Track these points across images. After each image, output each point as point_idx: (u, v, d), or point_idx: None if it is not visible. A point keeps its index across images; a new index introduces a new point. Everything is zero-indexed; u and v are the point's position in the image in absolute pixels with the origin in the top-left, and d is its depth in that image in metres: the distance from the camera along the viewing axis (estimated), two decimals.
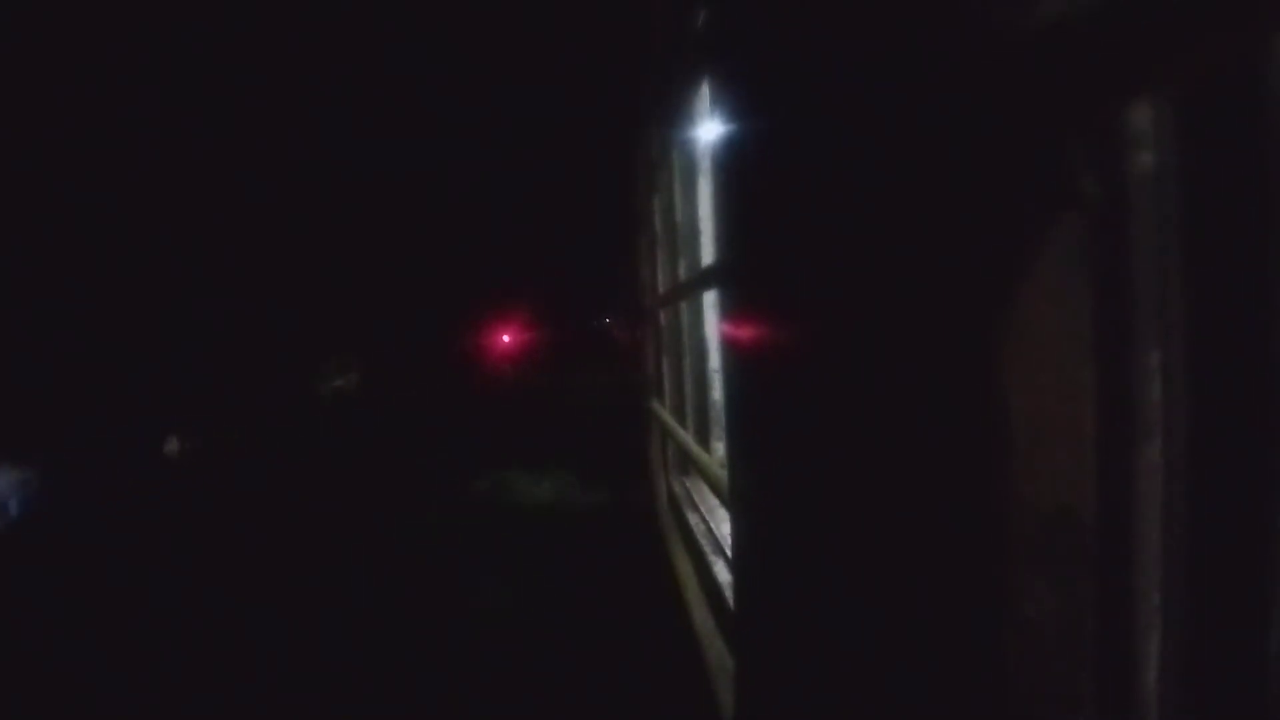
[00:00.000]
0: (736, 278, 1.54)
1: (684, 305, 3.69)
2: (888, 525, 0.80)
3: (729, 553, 2.62)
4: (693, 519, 3.41)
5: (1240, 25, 0.41)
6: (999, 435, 0.58)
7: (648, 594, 3.60)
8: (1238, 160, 0.59)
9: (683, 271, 3.57)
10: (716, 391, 3.21)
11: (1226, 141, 0.59)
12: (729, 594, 2.38)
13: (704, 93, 2.74)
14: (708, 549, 2.96)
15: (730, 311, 1.64)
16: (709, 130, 2.42)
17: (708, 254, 3.13)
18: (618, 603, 3.75)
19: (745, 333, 1.45)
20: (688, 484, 3.97)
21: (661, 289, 4.24)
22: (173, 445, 10.45)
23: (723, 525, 3.01)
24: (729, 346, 1.66)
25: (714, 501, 3.35)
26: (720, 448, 3.08)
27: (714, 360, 3.31)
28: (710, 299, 3.19)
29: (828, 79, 0.91)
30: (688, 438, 3.36)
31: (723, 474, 2.09)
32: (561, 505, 5.96)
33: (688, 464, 3.91)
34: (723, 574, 2.67)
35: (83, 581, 4.77)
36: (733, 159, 1.49)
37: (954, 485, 0.65)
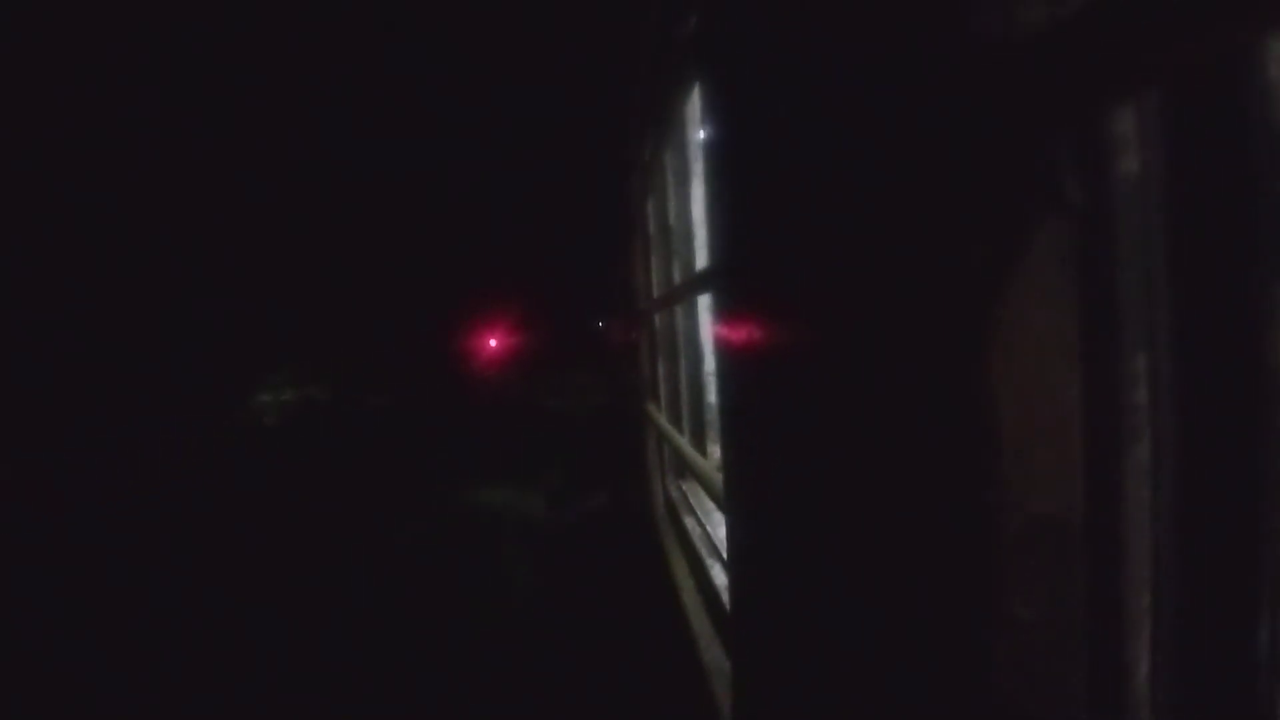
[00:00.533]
0: (729, 281, 1.54)
1: (679, 308, 3.69)
2: (881, 528, 0.80)
3: (725, 556, 2.62)
4: (689, 523, 3.41)
5: (1225, 27, 0.41)
6: (988, 438, 0.59)
7: (645, 599, 3.60)
8: (1222, 163, 0.59)
9: (677, 274, 3.57)
10: (712, 395, 3.22)
11: (1211, 145, 0.60)
12: (725, 597, 2.38)
13: (696, 95, 2.75)
14: (704, 552, 2.97)
15: (724, 315, 1.64)
16: (701, 133, 2.42)
17: (702, 257, 3.13)
18: (615, 606, 3.75)
19: (739, 336, 1.45)
20: (684, 488, 3.97)
21: (656, 292, 4.24)
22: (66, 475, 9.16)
23: (719, 529, 3.01)
24: (723, 350, 1.66)
25: (710, 505, 3.36)
26: (716, 451, 3.08)
27: (709, 364, 3.31)
28: (705, 302, 3.20)
29: (812, 83, 0.91)
30: (683, 441, 3.36)
31: (718, 477, 2.09)
32: (554, 531, 5.76)
33: (684, 468, 3.91)
34: (719, 577, 2.68)
35: None
36: (724, 162, 1.49)
37: (945, 488, 0.65)
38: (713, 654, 2.44)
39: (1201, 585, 0.61)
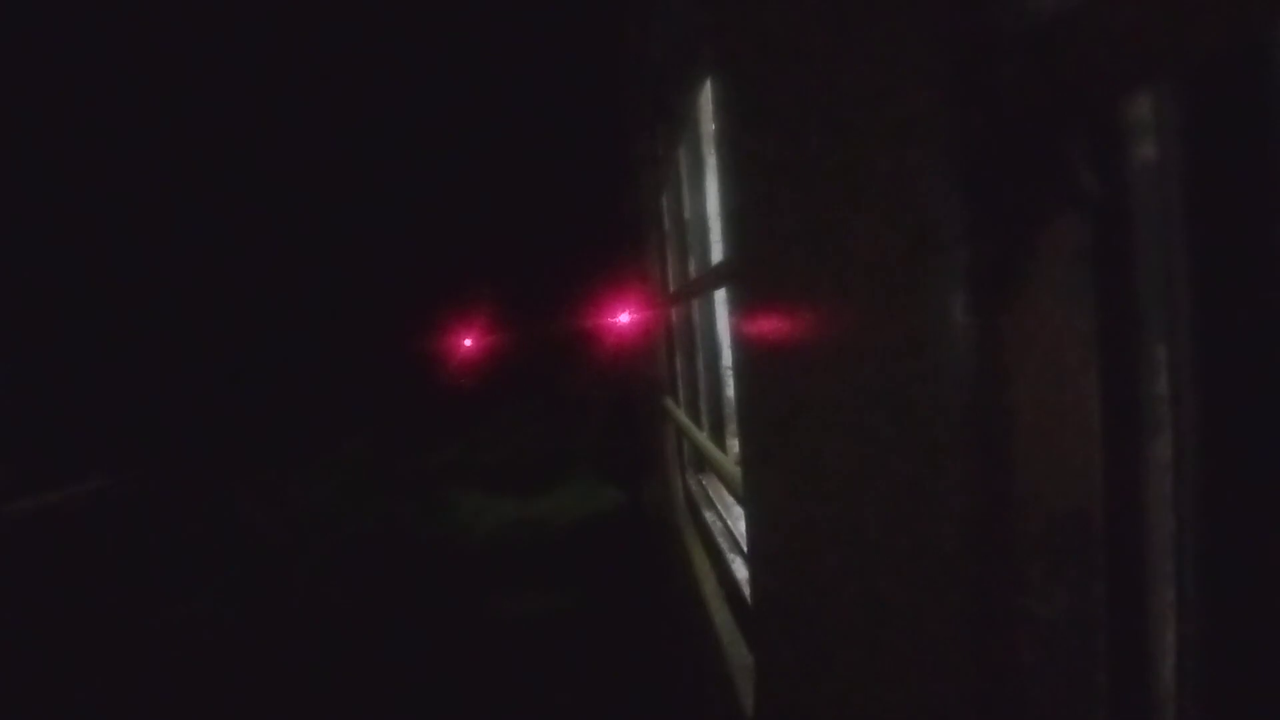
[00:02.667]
0: (745, 275, 1.54)
1: (695, 303, 3.69)
2: (899, 523, 0.80)
3: (746, 550, 2.62)
4: (709, 517, 3.41)
5: (1243, 12, 0.40)
6: (1007, 432, 0.58)
7: (665, 594, 3.60)
8: (1242, 150, 0.58)
9: (693, 269, 3.57)
10: (730, 389, 3.21)
11: (1230, 131, 0.59)
12: (747, 591, 2.38)
13: (709, 89, 2.74)
14: (725, 547, 2.97)
15: (740, 309, 1.64)
16: (715, 127, 2.41)
17: (717, 252, 3.13)
18: (636, 601, 3.75)
19: (755, 330, 1.45)
20: (704, 482, 3.97)
21: (672, 287, 4.24)
22: None
23: (739, 523, 3.01)
24: (740, 344, 1.66)
25: (730, 499, 3.35)
26: (735, 445, 3.08)
27: (727, 358, 3.30)
28: (721, 296, 3.19)
29: (824, 77, 0.90)
30: (702, 436, 3.36)
31: (738, 471, 2.09)
32: None
33: (703, 462, 3.91)
34: (740, 571, 2.68)
35: None
36: (737, 156, 1.49)
37: (964, 482, 0.65)
38: (736, 648, 2.44)
39: (1227, 579, 0.60)
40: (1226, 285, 0.59)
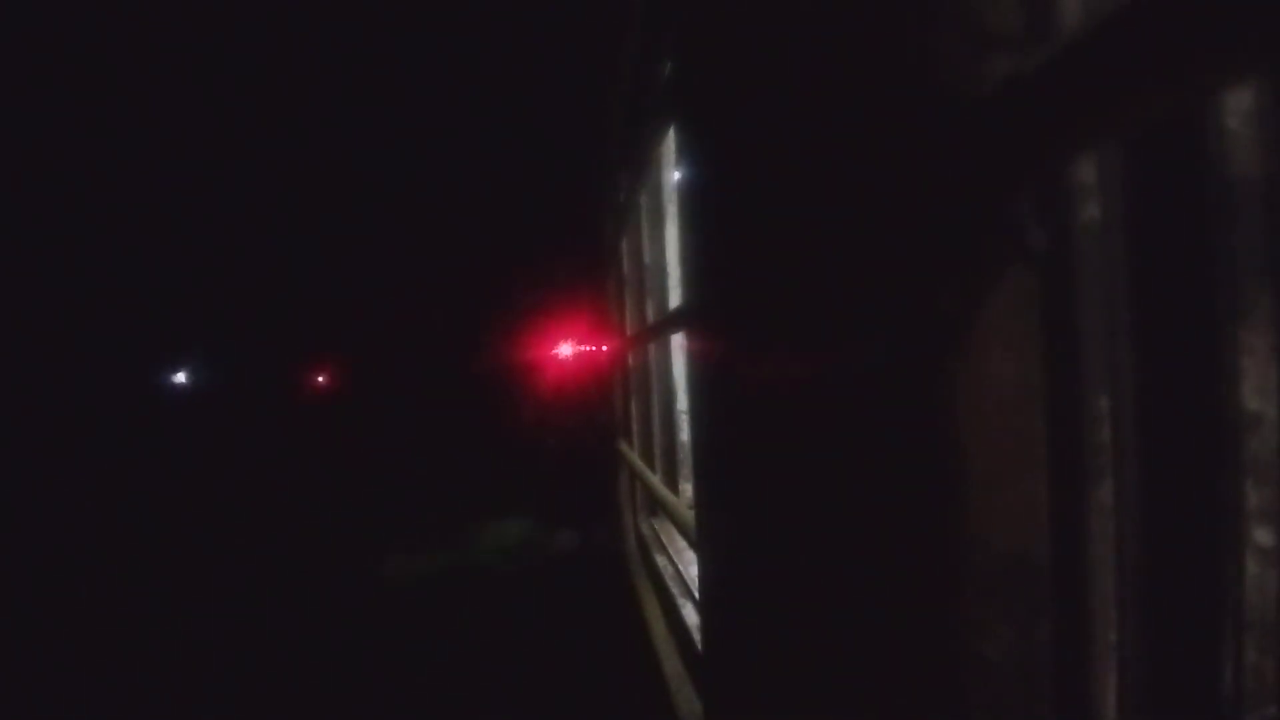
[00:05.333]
0: (702, 320, 1.56)
1: (652, 346, 3.71)
2: (850, 569, 0.81)
3: (697, 595, 2.60)
4: (661, 561, 3.39)
5: (1181, 84, 0.43)
6: (956, 478, 0.60)
7: (615, 638, 3.53)
8: (1180, 210, 0.62)
9: (651, 313, 3.59)
10: (684, 433, 3.22)
11: (1170, 192, 0.62)
12: (697, 636, 2.36)
13: (671, 139, 2.79)
14: (676, 591, 2.94)
15: (697, 353, 1.66)
16: (676, 175, 2.46)
17: (675, 296, 3.16)
18: (585, 646, 3.67)
19: (711, 374, 1.46)
20: (656, 526, 3.95)
21: (630, 330, 4.26)
22: None
23: (690, 567, 3.00)
24: (696, 387, 1.67)
25: (682, 543, 3.34)
26: (688, 489, 3.08)
27: (682, 402, 3.32)
28: (678, 340, 3.22)
29: (783, 131, 0.93)
30: (656, 480, 3.35)
31: (691, 516, 2.09)
32: None
33: (656, 506, 3.89)
34: (691, 616, 2.65)
35: None
36: (698, 204, 1.52)
37: (915, 527, 0.66)
38: (684, 695, 2.41)
39: (1166, 622, 0.62)
40: (1165, 338, 0.62)
